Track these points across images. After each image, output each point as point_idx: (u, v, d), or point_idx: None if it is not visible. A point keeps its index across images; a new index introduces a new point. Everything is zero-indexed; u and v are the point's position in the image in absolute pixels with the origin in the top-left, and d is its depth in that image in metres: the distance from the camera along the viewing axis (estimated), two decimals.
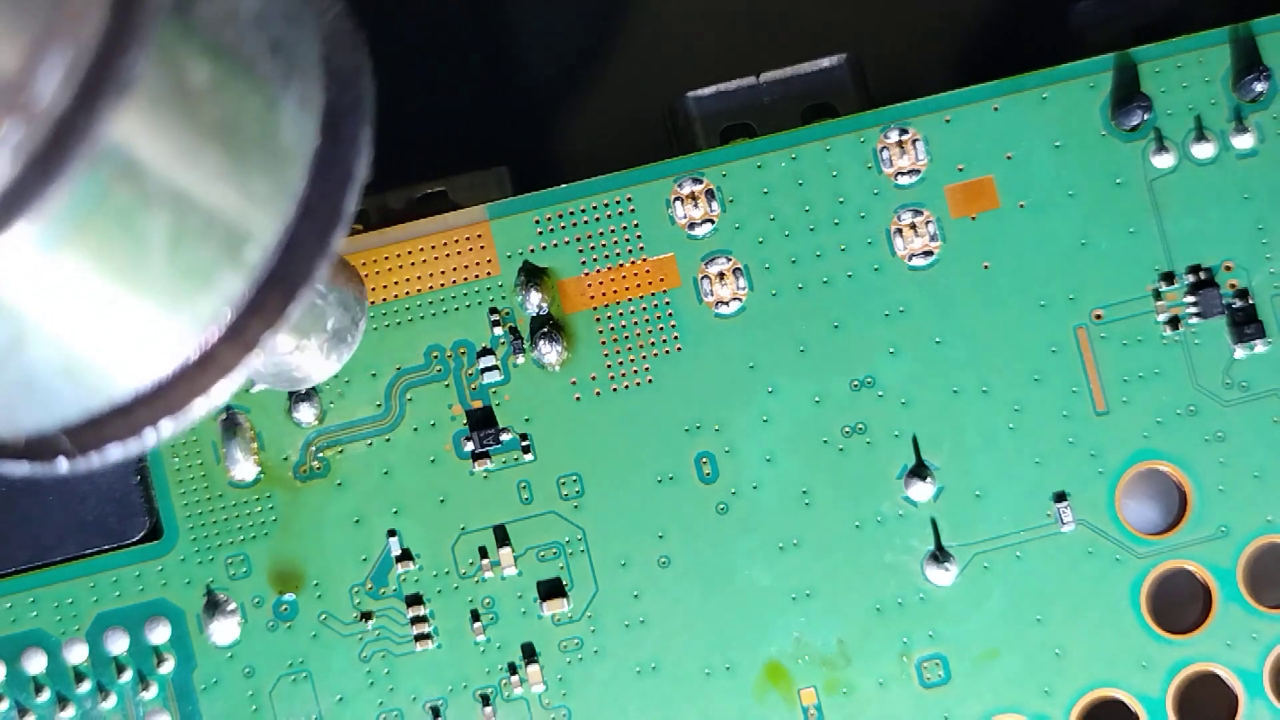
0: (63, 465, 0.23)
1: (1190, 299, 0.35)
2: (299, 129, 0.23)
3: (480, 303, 0.35)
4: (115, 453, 0.23)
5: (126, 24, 0.19)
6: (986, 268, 0.35)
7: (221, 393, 0.23)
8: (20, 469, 0.23)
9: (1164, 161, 0.35)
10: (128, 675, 0.35)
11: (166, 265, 0.21)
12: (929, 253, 0.35)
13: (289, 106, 0.23)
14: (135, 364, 0.23)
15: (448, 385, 0.35)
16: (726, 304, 0.35)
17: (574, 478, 0.35)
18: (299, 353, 0.31)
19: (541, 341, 0.35)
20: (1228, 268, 0.35)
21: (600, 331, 0.35)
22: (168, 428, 0.23)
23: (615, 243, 0.35)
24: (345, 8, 0.24)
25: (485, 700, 0.35)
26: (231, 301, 0.23)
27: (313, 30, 0.24)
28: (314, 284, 0.23)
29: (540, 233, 0.35)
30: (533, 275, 0.35)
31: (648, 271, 0.35)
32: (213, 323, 0.23)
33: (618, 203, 0.35)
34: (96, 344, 0.22)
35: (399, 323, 0.35)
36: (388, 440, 0.35)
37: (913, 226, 0.35)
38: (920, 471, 0.35)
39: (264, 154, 0.22)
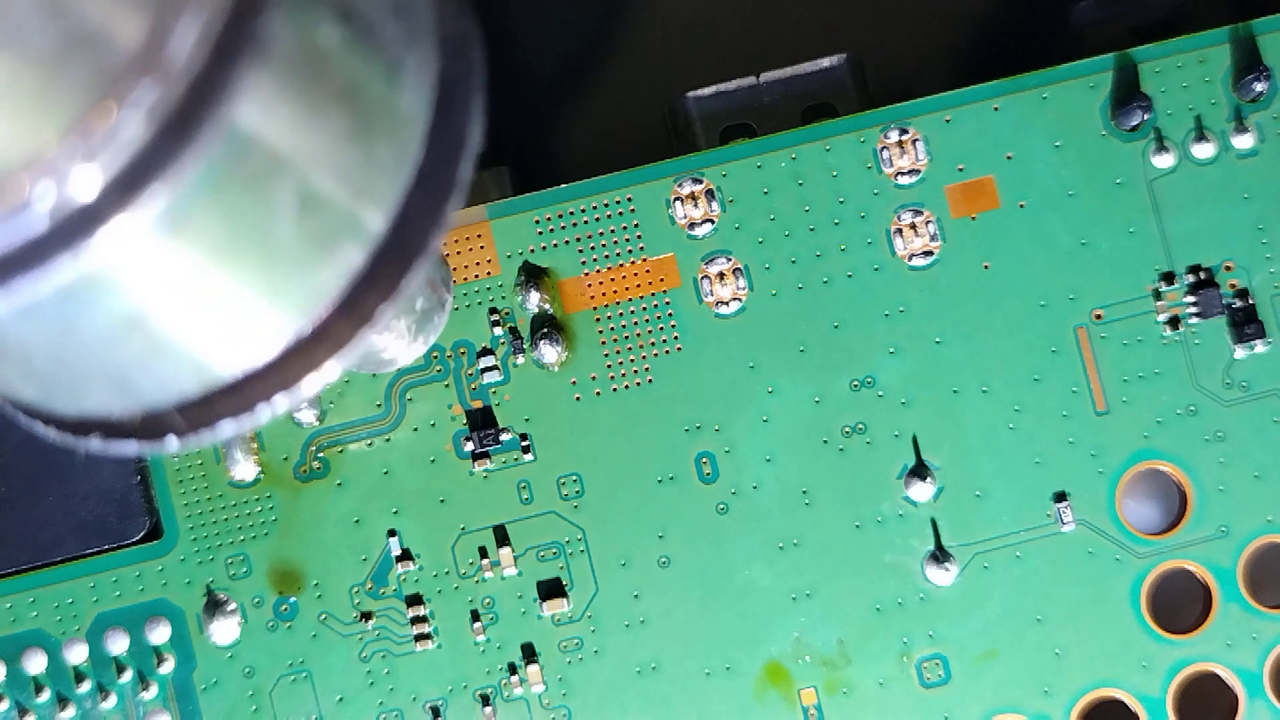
0: (173, 443, 0.22)
1: (1190, 299, 0.35)
2: (418, 95, 0.23)
3: (480, 303, 0.35)
4: (228, 429, 0.22)
5: None
6: (986, 268, 0.35)
7: (334, 369, 0.23)
8: (128, 448, 0.22)
9: (1164, 161, 0.35)
10: (128, 675, 0.35)
11: (293, 234, 0.21)
12: (929, 253, 0.35)
13: (409, 72, 0.22)
14: (253, 338, 0.22)
15: (448, 385, 0.35)
16: (726, 304, 0.35)
17: (574, 478, 0.35)
18: (388, 333, 0.31)
19: (541, 341, 0.35)
20: (1228, 268, 0.35)
21: (600, 331, 0.35)
22: (282, 403, 0.22)
23: (615, 243, 0.35)
24: None
25: (485, 700, 0.35)
26: (349, 273, 0.22)
27: None
28: (430, 255, 0.23)
29: (540, 233, 0.35)
30: (533, 275, 0.35)
31: (648, 271, 0.35)
32: (329, 296, 0.22)
33: (618, 203, 0.35)
34: (218, 318, 0.21)
35: None
36: (388, 440, 0.35)
37: (913, 226, 0.35)
38: (920, 471, 0.35)
39: (387, 120, 0.22)
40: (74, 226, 0.18)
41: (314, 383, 0.23)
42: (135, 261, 0.19)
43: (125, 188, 0.18)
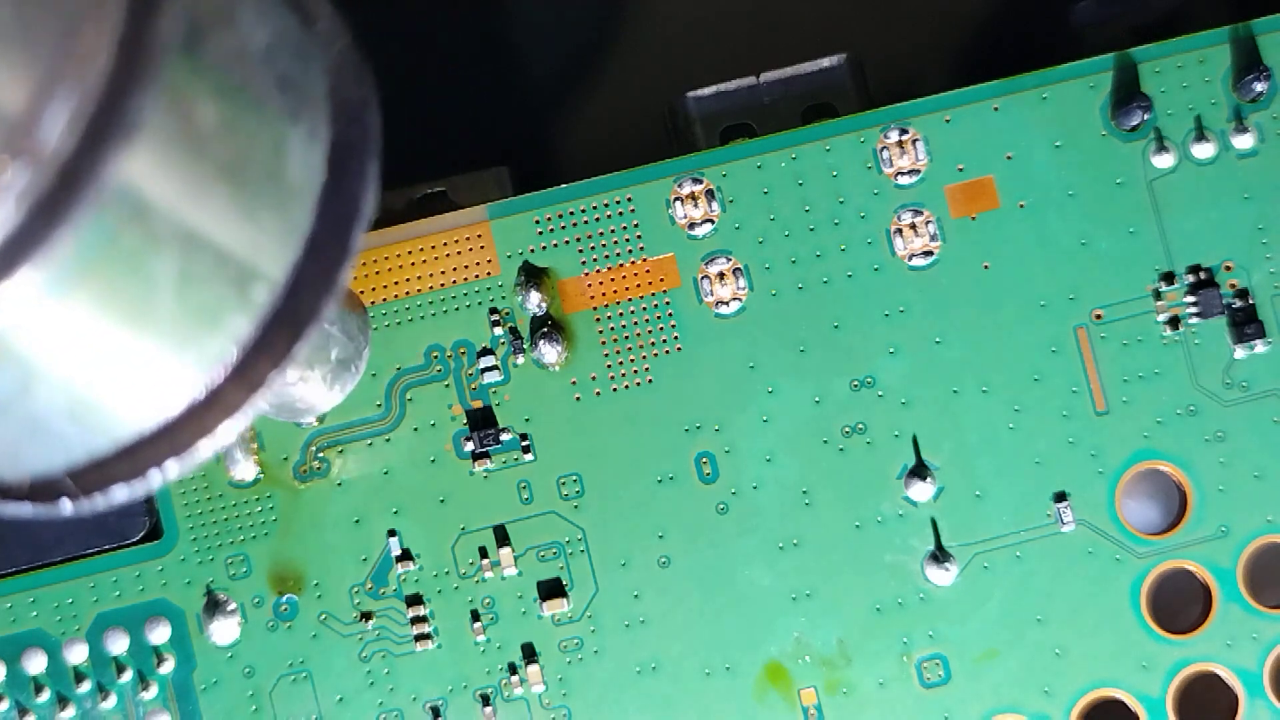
0: (66, 507, 0.23)
1: (1190, 299, 0.35)
2: (307, 165, 0.23)
3: (480, 303, 0.35)
4: (120, 494, 0.23)
5: (133, 65, 0.19)
6: (986, 268, 0.35)
7: (227, 433, 0.23)
8: (23, 510, 0.23)
9: (1164, 161, 0.35)
10: (128, 675, 0.35)
11: (174, 307, 0.21)
12: (929, 253, 0.35)
13: (297, 143, 0.22)
14: (141, 405, 0.22)
15: (448, 385, 0.35)
16: (726, 304, 0.35)
17: (574, 478, 0.35)
18: (302, 384, 0.31)
19: (541, 341, 0.35)
20: (1228, 268, 0.35)
21: (600, 331, 0.35)
22: (173, 469, 0.23)
23: (615, 243, 0.35)
24: (351, 40, 0.24)
25: (485, 700, 0.35)
26: (238, 341, 0.23)
27: (320, 64, 0.23)
28: (321, 322, 0.23)
29: (540, 233, 0.35)
30: (533, 275, 0.35)
31: (648, 271, 0.35)
32: (219, 363, 0.23)
33: (618, 203, 0.35)
34: (103, 387, 0.21)
35: (399, 323, 0.35)
36: (388, 440, 0.35)
37: (913, 226, 0.35)
38: (920, 471, 0.35)
39: (272, 192, 0.22)
40: None
41: (208, 447, 0.23)
42: (14, 334, 0.19)
43: None
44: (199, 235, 0.21)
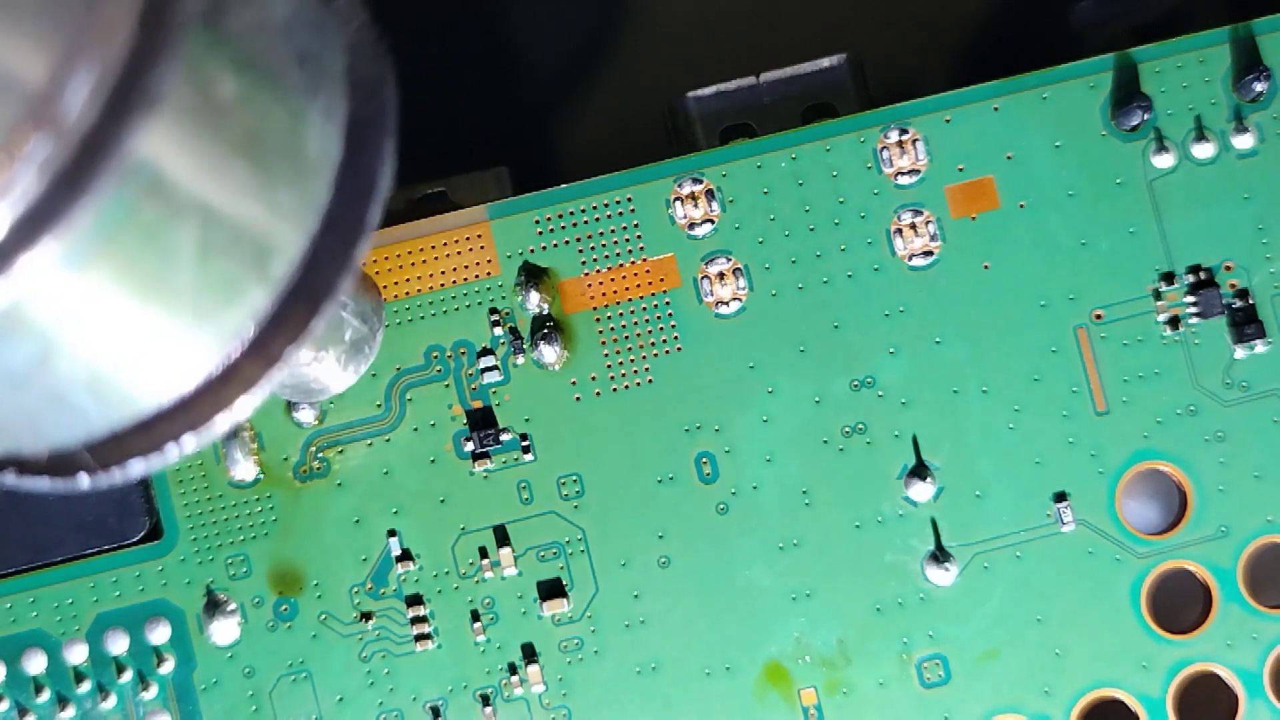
0: (84, 481, 0.23)
1: (1190, 299, 0.35)
2: (324, 140, 0.23)
3: (480, 303, 0.35)
4: (137, 468, 0.23)
5: (155, 38, 0.19)
6: (986, 268, 0.35)
7: (245, 407, 0.23)
8: (41, 485, 0.23)
9: (1164, 161, 0.35)
10: (128, 675, 0.35)
11: (193, 280, 0.21)
12: (929, 253, 0.35)
13: (315, 118, 0.23)
14: (159, 379, 0.22)
15: (448, 385, 0.35)
16: (726, 304, 0.35)
17: (574, 478, 0.35)
18: (317, 364, 0.31)
19: (541, 341, 0.35)
20: (1228, 268, 0.35)
21: (600, 331, 0.35)
22: (190, 443, 0.23)
23: (615, 243, 0.35)
24: (368, 18, 0.24)
25: (485, 700, 0.35)
26: (255, 316, 0.23)
27: (338, 41, 0.23)
28: (337, 297, 0.23)
29: (540, 233, 0.35)
30: (533, 275, 0.35)
31: (648, 271, 0.35)
32: (236, 337, 0.23)
33: (618, 203, 0.35)
34: (122, 359, 0.21)
35: (399, 323, 0.35)
36: (388, 440, 0.35)
37: (913, 226, 0.35)
38: (920, 471, 0.35)
39: (290, 166, 0.22)
40: None
41: (225, 421, 0.23)
42: (34, 305, 0.20)
43: (21, 236, 0.19)
44: (218, 209, 0.21)
